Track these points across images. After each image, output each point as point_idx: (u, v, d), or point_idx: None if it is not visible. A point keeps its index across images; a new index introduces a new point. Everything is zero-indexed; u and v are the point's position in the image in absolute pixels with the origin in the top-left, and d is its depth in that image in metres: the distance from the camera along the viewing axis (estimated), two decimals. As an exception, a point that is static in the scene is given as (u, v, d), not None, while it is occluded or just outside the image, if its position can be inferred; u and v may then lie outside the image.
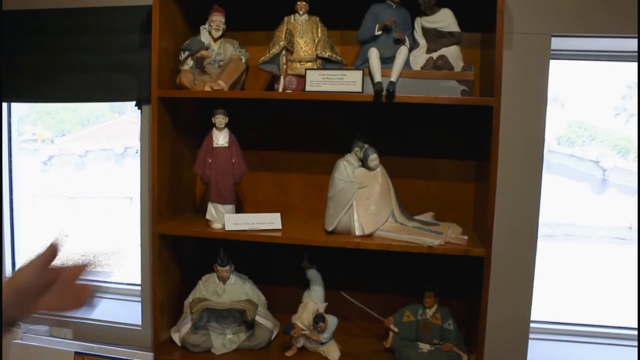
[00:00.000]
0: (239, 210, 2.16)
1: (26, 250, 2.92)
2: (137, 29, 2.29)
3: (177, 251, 2.14)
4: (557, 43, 2.13)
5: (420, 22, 1.95)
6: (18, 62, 2.43)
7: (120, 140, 3.86)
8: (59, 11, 2.37)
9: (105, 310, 2.61)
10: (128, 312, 2.59)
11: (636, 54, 2.11)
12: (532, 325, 2.22)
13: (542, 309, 2.42)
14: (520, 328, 2.18)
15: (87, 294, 0.96)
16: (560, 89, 2.66)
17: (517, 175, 2.12)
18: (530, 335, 2.21)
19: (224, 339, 2.05)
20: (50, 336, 2.53)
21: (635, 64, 2.19)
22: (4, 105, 2.84)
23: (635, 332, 2.32)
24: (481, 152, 1.98)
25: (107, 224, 3.26)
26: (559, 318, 2.48)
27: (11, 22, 2.41)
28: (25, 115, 3.11)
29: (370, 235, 1.90)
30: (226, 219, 1.95)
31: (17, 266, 2.88)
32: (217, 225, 1.98)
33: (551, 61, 2.09)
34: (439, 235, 1.85)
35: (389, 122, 2.16)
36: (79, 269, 0.97)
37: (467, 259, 1.83)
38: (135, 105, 2.34)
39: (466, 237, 1.86)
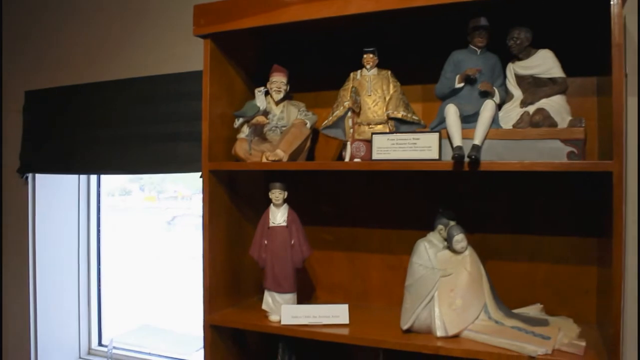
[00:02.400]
0: (309, 295, 1.88)
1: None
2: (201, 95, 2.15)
3: (237, 341, 1.89)
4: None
5: (512, 68, 1.58)
6: (86, 135, 2.43)
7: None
8: (129, 81, 2.33)
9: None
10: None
11: None
12: None
13: None
14: None
15: None
16: None
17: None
18: None
19: None
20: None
21: None
22: (94, 177, 2.88)
23: None
24: (603, 227, 1.53)
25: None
26: None
27: (82, 95, 2.43)
28: (167, 175, 3.21)
29: (455, 337, 1.52)
30: (283, 311, 1.67)
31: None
32: (274, 318, 1.71)
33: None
34: (546, 341, 1.42)
35: (481, 191, 1.77)
36: None
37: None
38: (200, 177, 2.17)
39: (583, 344, 1.41)
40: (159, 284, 3.19)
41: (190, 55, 2.22)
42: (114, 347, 2.79)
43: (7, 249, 2.78)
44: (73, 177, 2.84)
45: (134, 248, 3.21)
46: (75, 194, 2.87)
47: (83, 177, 2.88)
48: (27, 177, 2.70)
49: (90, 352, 2.91)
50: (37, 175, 2.72)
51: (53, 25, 2.68)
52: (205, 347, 1.77)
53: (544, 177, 1.61)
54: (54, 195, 2.78)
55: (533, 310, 1.65)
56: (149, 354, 2.81)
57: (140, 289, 3.19)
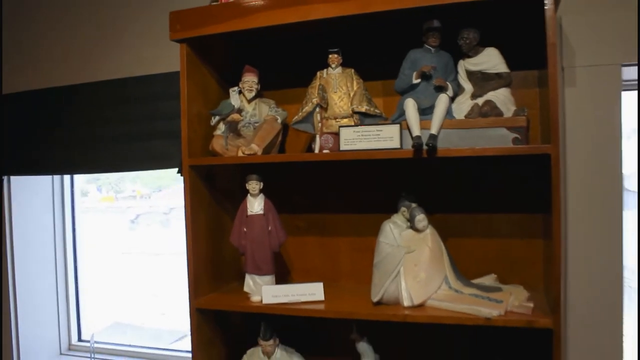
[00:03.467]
0: (285, 278, 2.03)
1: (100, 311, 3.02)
2: (176, 96, 2.25)
3: (221, 323, 2.03)
4: (631, 72, 1.87)
5: (463, 65, 1.76)
6: (65, 136, 2.51)
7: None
8: (104, 83, 2.42)
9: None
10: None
11: None
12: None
13: None
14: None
15: None
16: None
17: (593, 225, 1.85)
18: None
19: (271, 419, 1.90)
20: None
21: None
22: (67, 177, 2.94)
23: None
24: (547, 204, 1.73)
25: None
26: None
27: (58, 98, 2.50)
28: (126, 174, 3.30)
29: (420, 306, 1.70)
30: (264, 291, 1.82)
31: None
32: (255, 298, 1.85)
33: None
34: (499, 304, 1.62)
35: (439, 176, 1.95)
36: None
37: (536, 331, 1.57)
38: (178, 172, 2.29)
39: (531, 305, 1.61)
40: (129, 282, 3.26)
41: (161, 58, 2.33)
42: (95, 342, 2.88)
43: (-15, 251, 2.84)
44: (47, 179, 2.91)
45: (100, 247, 3.26)
46: (49, 195, 2.93)
47: (57, 178, 2.95)
48: (2, 180, 2.76)
49: (70, 347, 2.99)
50: (12, 178, 2.78)
51: (24, 27, 2.73)
52: (191, 330, 1.89)
53: (494, 161, 1.80)
54: (30, 197, 2.84)
55: (488, 280, 1.84)
56: (130, 345, 2.91)
57: (111, 287, 3.25)
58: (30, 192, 2.84)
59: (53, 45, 2.65)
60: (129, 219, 3.65)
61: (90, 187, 3.38)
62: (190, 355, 2.60)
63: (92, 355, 2.78)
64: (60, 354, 2.96)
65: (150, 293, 3.27)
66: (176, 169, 2.31)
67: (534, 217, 1.87)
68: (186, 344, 2.85)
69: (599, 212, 1.86)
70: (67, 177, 3.00)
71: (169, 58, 2.26)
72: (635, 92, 1.99)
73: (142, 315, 3.21)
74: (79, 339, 3.04)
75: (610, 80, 1.84)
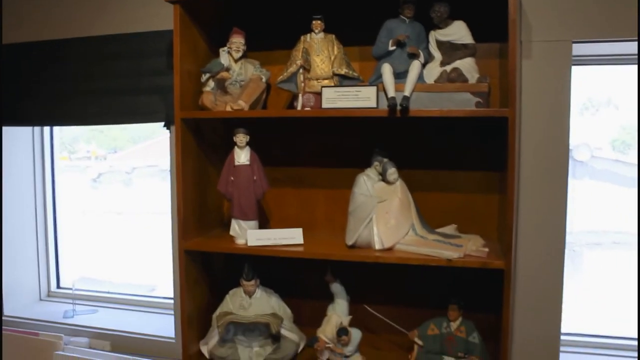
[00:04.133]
0: (265, 226, 2.21)
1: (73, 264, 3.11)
2: (164, 53, 2.38)
3: (206, 266, 2.21)
4: (581, 49, 2.10)
5: (434, 35, 1.95)
6: (51, 89, 2.58)
7: (167, 156, 3.96)
8: (88, 39, 2.50)
9: (140, 323, 2.72)
10: (161, 325, 2.70)
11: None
12: (564, 337, 2.18)
13: (589, 320, 2.41)
14: (550, 341, 2.13)
15: None
16: (614, 92, 2.58)
17: (542, 185, 2.10)
18: (562, 348, 2.17)
19: (250, 352, 2.09)
20: (90, 348, 2.64)
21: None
22: (47, 129, 3.01)
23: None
24: (504, 163, 1.96)
25: (149, 239, 3.35)
26: (604, 330, 2.42)
27: (44, 51, 2.57)
28: (80, 134, 3.33)
29: (390, 249, 1.91)
30: (249, 235, 2.00)
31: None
32: (240, 241, 2.04)
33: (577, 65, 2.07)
34: (459, 248, 1.85)
35: (409, 135, 2.16)
36: None
37: (491, 272, 1.81)
38: (164, 126, 2.43)
39: (486, 250, 1.85)
40: (97, 239, 3.31)
41: (147, 16, 2.44)
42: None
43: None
44: (27, 130, 2.97)
45: (65, 205, 3.28)
46: (30, 146, 3.00)
47: (37, 130, 3.02)
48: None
49: (50, 294, 3.12)
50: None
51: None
52: (180, 270, 2.06)
53: (457, 122, 2.01)
54: (11, 147, 2.90)
55: (449, 229, 2.07)
56: (108, 292, 3.06)
57: (81, 244, 3.30)
58: (12, 142, 2.89)
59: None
60: (90, 178, 3.68)
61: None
62: (166, 300, 2.82)
63: (74, 301, 2.92)
64: (40, 299, 3.08)
65: (118, 250, 3.33)
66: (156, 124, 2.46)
67: (492, 175, 2.10)
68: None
69: (547, 173, 2.10)
70: (46, 130, 3.07)
71: (155, 17, 2.40)
72: (585, 67, 2.23)
73: (110, 271, 3.27)
74: (58, 286, 3.15)
75: (562, 55, 2.06)
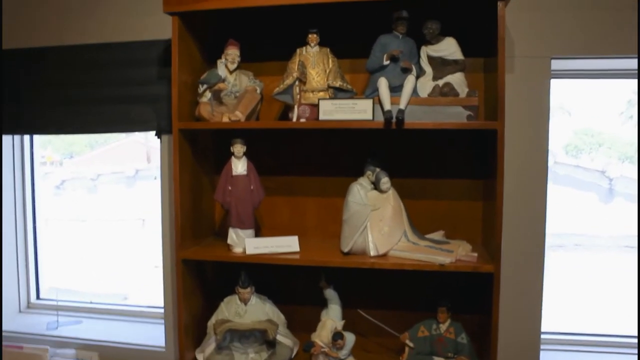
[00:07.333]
0: (257, 234, 2.26)
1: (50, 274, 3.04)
2: (155, 62, 2.40)
3: (200, 275, 2.24)
4: (558, 64, 2.23)
5: (426, 50, 2.05)
6: (41, 97, 2.56)
7: (129, 162, 3.89)
8: (81, 47, 2.50)
9: (127, 333, 2.72)
10: (149, 335, 2.69)
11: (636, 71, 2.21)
12: (543, 336, 2.30)
13: (554, 319, 2.51)
14: (532, 339, 2.26)
15: None
16: (566, 98, 2.73)
17: (523, 191, 2.22)
18: (542, 346, 2.29)
19: (246, 358, 2.13)
20: (77, 359, 2.62)
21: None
22: (27, 137, 2.97)
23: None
24: (488, 171, 2.07)
25: (120, 246, 3.33)
26: (570, 328, 2.55)
27: (36, 58, 2.54)
28: (36, 138, 3.16)
29: (384, 255, 1.99)
30: (247, 243, 2.04)
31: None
32: (238, 250, 2.08)
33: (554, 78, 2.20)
34: (450, 254, 1.94)
35: (400, 146, 2.25)
36: None
37: (477, 275, 1.91)
38: (155, 135, 2.45)
39: (476, 255, 1.95)
40: (63, 248, 3.26)
41: (138, 26, 2.45)
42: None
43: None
44: (7, 139, 2.92)
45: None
46: (10, 155, 2.95)
47: (17, 138, 2.97)
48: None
49: (30, 305, 3.06)
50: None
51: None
52: (177, 280, 2.08)
53: (449, 132, 2.10)
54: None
55: (437, 235, 2.17)
56: (91, 302, 3.03)
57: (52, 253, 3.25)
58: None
59: (40, 5, 2.65)
60: (53, 185, 3.59)
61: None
62: (151, 310, 2.81)
63: (57, 313, 2.88)
64: (20, 311, 3.02)
65: (87, 259, 3.28)
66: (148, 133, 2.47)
67: (477, 183, 2.21)
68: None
69: (528, 179, 2.22)
70: (26, 138, 3.02)
71: (147, 26, 2.42)
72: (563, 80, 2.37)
73: (81, 280, 3.22)
74: (37, 297, 3.11)
75: (541, 70, 2.19)
